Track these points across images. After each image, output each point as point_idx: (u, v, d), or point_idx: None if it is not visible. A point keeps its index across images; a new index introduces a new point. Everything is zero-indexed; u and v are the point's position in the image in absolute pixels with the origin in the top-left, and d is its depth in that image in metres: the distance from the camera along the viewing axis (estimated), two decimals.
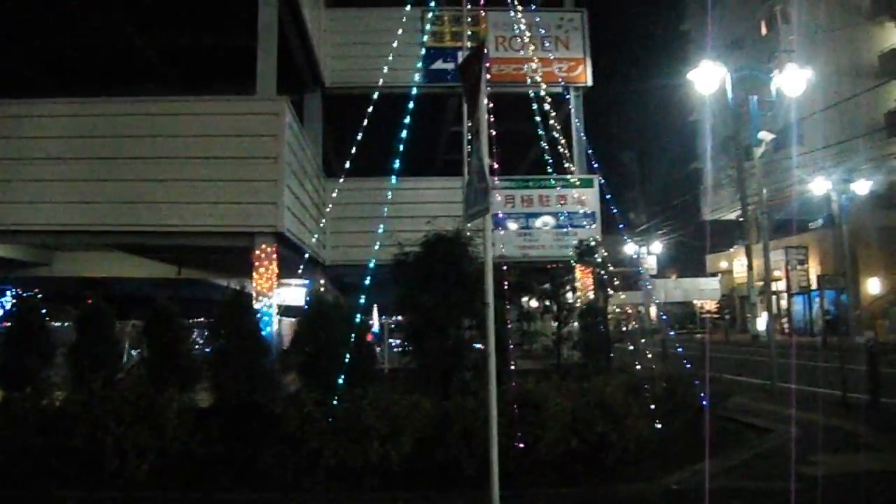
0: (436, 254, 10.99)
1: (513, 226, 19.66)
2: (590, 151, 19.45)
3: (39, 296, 12.95)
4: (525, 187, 19.84)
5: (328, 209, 18.35)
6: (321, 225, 17.74)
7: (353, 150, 20.54)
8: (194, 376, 11.09)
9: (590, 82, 20.65)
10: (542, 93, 18.97)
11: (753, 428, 12.02)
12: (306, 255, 14.39)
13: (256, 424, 9.74)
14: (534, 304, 15.81)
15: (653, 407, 10.44)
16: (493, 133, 20.73)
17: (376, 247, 12.35)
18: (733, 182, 44.05)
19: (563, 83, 20.43)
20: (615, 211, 17.49)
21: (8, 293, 25.89)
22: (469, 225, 11.58)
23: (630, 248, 56.70)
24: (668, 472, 9.15)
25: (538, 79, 19.72)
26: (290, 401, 9.57)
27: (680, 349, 15.77)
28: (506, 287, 12.65)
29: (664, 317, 45.22)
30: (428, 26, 19.97)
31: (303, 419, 9.10)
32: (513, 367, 13.16)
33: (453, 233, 11.20)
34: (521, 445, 8.97)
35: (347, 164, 15.70)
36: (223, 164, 12.54)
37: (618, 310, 66.14)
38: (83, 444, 9.06)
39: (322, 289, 20.08)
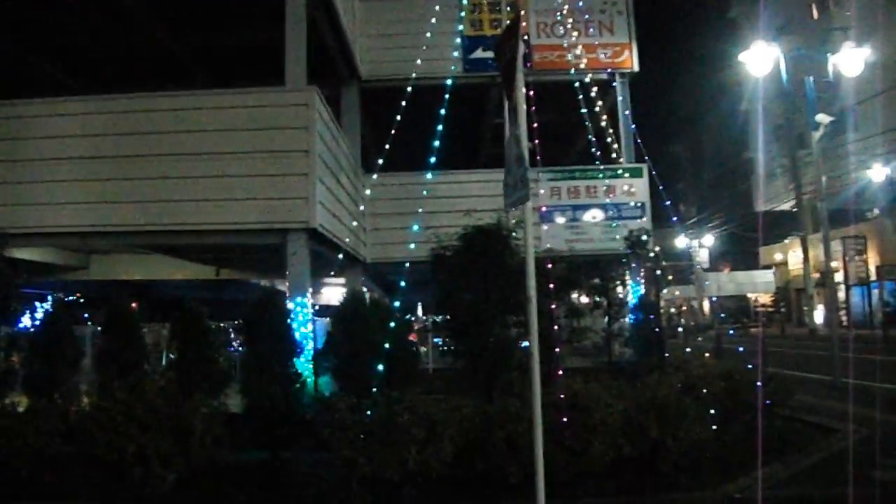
0: (475, 248, 10.39)
1: (559, 219, 18.93)
2: (638, 140, 18.68)
3: (81, 300, 12.51)
4: (571, 178, 19.12)
5: (366, 206, 17.91)
6: (360, 222, 17.23)
7: (392, 145, 20.14)
8: (225, 380, 10.63)
9: (636, 68, 19.84)
10: (587, 80, 18.39)
11: (819, 428, 11.21)
12: (340, 255, 13.83)
13: (288, 431, 9.23)
14: (584, 299, 15.15)
15: (711, 409, 9.70)
16: (536, 124, 20.17)
17: (413, 245, 11.87)
18: (787, 171, 42.82)
19: (608, 70, 19.70)
20: (666, 202, 16.78)
21: (49, 297, 25.89)
22: (511, 217, 11.06)
23: (682, 242, 55.82)
24: (729, 479, 8.44)
25: (582, 65, 19.09)
26: (322, 406, 9.02)
27: (740, 348, 14.98)
28: (550, 283, 12.04)
29: (721, 315, 44.18)
30: (465, 14, 19.36)
31: (335, 426, 8.53)
32: (560, 368, 12.63)
33: (493, 225, 10.57)
34: (570, 451, 8.31)
35: (386, 160, 15.23)
36: (252, 158, 12.05)
37: (671, 308, 65.31)
38: (105, 454, 8.58)
39: (364, 287, 19.64)
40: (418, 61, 18.28)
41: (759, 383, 10.64)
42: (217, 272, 21.21)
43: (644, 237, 13.95)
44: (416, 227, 12.12)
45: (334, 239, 13.50)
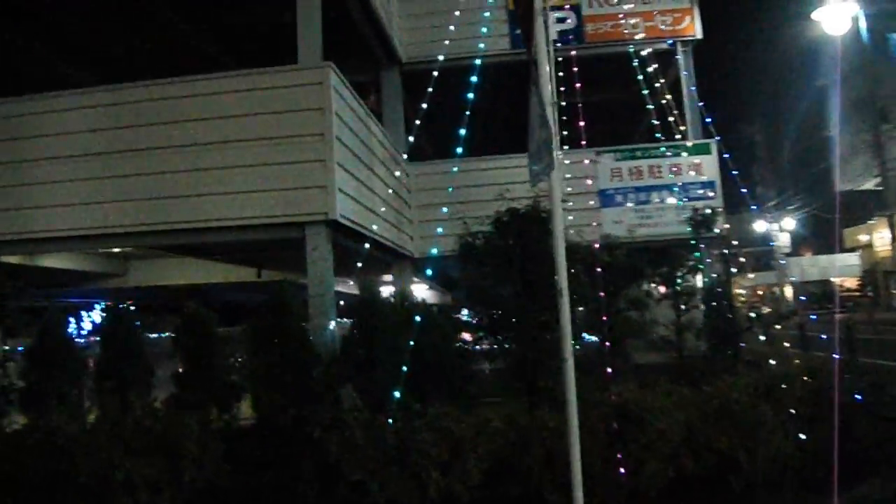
0: (509, 234, 9.09)
1: (622, 201, 17.39)
2: (705, 117, 17.05)
3: (132, 307, 11.59)
4: (633, 158, 17.51)
5: (411, 197, 16.72)
6: (405, 214, 16.03)
7: (439, 131, 18.88)
8: (236, 393, 9.53)
9: (699, 35, 18.06)
10: (647, 51, 16.89)
11: None
12: (378, 250, 12.54)
13: (296, 450, 8.05)
14: (660, 289, 13.78)
15: (793, 411, 8.16)
16: (593, 101, 18.65)
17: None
18: (870, 148, 40.31)
19: (669, 39, 18.08)
20: (738, 182, 15.20)
21: (97, 306, 25.39)
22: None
23: (761, 226, 53.64)
24: (817, 499, 6.92)
25: (640, 35, 17.59)
26: (332, 421, 7.79)
27: (823, 335, 13.32)
28: (604, 272, 10.69)
29: (802, 297, 41.97)
30: None
31: (344, 445, 7.32)
32: (620, 366, 11.25)
33: (529, 206, 9.22)
34: (622, 470, 6.93)
35: (434, 147, 14.04)
36: (264, 146, 10.86)
37: (744, 293, 62.92)
38: (88, 481, 7.51)
39: (415, 285, 18.45)
40: (464, 40, 17.09)
41: (846, 376, 9.07)
42: (258, 273, 20.16)
43: (710, 213, 12.40)
44: (444, 210, 10.80)
45: (367, 232, 12.27)
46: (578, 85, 15.67)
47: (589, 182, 17.06)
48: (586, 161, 17.18)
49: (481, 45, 17.14)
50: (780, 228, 55.19)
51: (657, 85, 16.78)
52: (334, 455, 7.34)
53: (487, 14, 17.54)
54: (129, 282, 22.47)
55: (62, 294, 23.41)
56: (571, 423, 5.85)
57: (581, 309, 11.24)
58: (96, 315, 25.32)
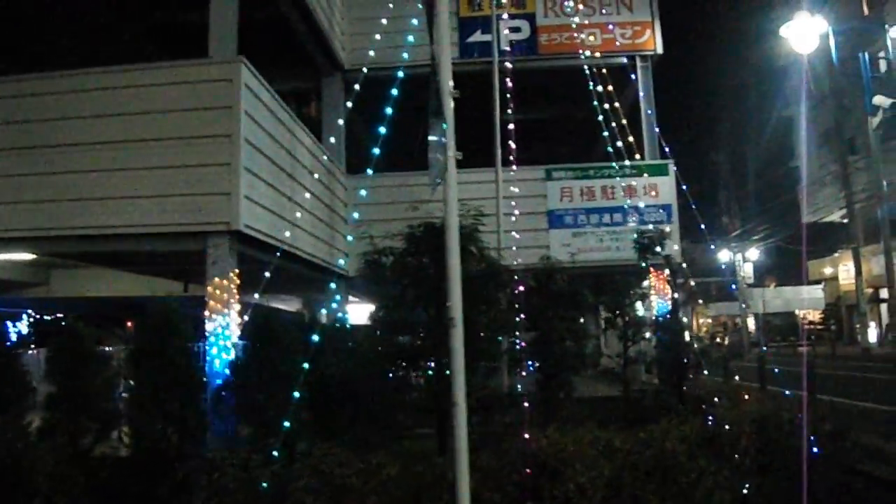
0: (424, 251, 8.01)
1: (571, 223, 16.39)
2: (662, 138, 16.16)
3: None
4: (585, 177, 16.55)
5: (348, 211, 15.63)
6: (338, 229, 14.93)
7: (383, 142, 17.72)
8: (113, 419, 8.36)
9: (659, 50, 17.21)
10: (604, 65, 15.98)
11: (889, 486, 8.52)
12: (273, 261, 11.28)
13: (167, 490, 6.91)
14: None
15: (739, 463, 7.11)
16: (546, 117, 17.63)
17: None
18: (836, 180, 39.76)
19: (627, 53, 17.18)
20: (692, 204, 14.28)
21: (24, 316, 23.99)
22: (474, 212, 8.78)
23: (725, 255, 53.25)
24: None
25: (597, 48, 16.69)
26: (202, 462, 6.67)
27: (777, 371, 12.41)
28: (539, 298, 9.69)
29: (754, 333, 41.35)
30: None
31: (212, 488, 6.20)
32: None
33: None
34: None
35: (376, 159, 13.02)
36: (168, 146, 9.78)
37: (707, 322, 62.32)
38: None
39: (348, 305, 17.36)
40: (411, 47, 16.12)
41: (800, 417, 8.02)
42: (185, 287, 18.90)
43: (656, 237, 11.42)
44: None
45: (285, 247, 11.14)
46: (510, 100, 14.85)
47: (538, 202, 16.15)
48: (535, 179, 16.26)
49: (429, 53, 16.27)
50: (744, 258, 54.78)
51: (615, 102, 15.90)
52: (201, 499, 6.24)
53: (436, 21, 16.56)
54: (51, 292, 21.19)
55: None
56: (461, 480, 4.80)
57: (512, 339, 10.27)
58: (23, 326, 23.83)
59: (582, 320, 12.65)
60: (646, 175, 16.24)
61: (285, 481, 6.18)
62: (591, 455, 6.31)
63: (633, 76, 17.14)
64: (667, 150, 16.26)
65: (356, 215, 13.25)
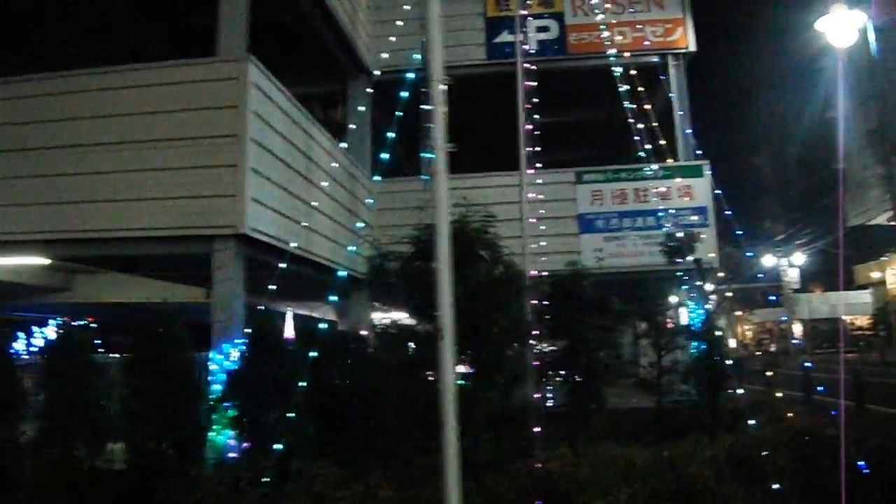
0: (431, 256, 7.52)
1: (603, 227, 15.79)
2: (695, 139, 15.56)
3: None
4: (616, 180, 15.96)
5: (371, 216, 15.21)
6: (358, 234, 14.49)
7: (409, 145, 17.31)
8: (107, 431, 8.00)
9: (692, 47, 16.57)
10: (634, 63, 15.43)
11: None
12: (282, 265, 10.80)
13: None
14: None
15: (774, 486, 6.52)
16: (576, 118, 17.08)
17: None
18: (882, 181, 38.63)
19: (659, 51, 16.59)
20: (724, 207, 13.71)
21: (51, 322, 23.83)
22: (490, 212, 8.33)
23: (769, 260, 52.18)
24: None
25: (628, 47, 16.15)
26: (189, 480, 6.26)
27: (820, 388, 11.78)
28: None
29: (795, 341, 40.26)
30: None
31: None
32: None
33: (456, 222, 7.67)
34: None
35: (401, 162, 12.69)
36: (173, 148, 9.44)
37: (751, 328, 61.13)
38: None
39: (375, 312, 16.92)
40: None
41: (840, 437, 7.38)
42: (207, 294, 18.56)
43: (686, 239, 10.85)
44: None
45: (299, 251, 10.75)
46: (538, 102, 14.34)
47: (568, 205, 15.63)
48: (565, 182, 15.74)
49: (456, 55, 15.95)
50: (790, 263, 53.56)
51: (647, 102, 15.36)
52: None
53: (465, 22, 16.15)
54: (76, 297, 21.04)
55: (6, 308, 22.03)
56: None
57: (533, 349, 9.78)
58: (50, 331, 23.69)
59: (613, 328, 12.13)
60: (680, 177, 15.62)
61: (275, 502, 5.75)
62: (609, 478, 5.78)
63: (665, 75, 16.57)
64: (699, 151, 15.69)
65: (361, 224, 12.79)
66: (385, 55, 16.54)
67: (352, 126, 16.28)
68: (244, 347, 7.84)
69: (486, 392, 7.19)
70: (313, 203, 11.61)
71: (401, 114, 11.06)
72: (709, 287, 11.89)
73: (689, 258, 10.85)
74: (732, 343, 60.24)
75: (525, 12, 16.23)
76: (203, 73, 9.61)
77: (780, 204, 55.47)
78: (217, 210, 9.13)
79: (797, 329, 54.96)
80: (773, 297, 46.05)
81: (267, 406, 7.02)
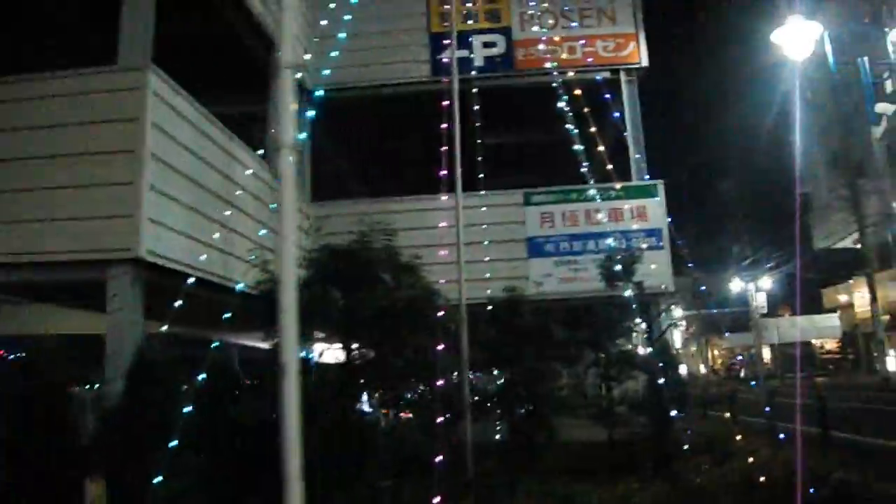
0: (331, 279, 6.73)
1: (553, 251, 15.02)
2: (641, 152, 14.93)
3: None
4: (566, 201, 15.22)
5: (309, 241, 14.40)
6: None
7: (350, 166, 16.55)
8: None
9: (644, 62, 15.94)
10: (584, 81, 14.82)
11: None
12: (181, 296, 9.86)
13: None
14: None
15: None
16: (524, 137, 16.33)
17: None
18: (847, 204, 38.32)
19: (610, 66, 15.96)
20: (671, 232, 13.06)
21: None
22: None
23: (736, 285, 52.03)
24: None
25: (578, 62, 15.56)
26: None
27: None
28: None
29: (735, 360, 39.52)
30: (432, 6, 15.93)
31: None
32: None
33: (356, 244, 6.89)
34: None
35: (342, 184, 11.93)
36: (62, 165, 8.60)
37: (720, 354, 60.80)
38: None
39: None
40: (378, 65, 15.11)
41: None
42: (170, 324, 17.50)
43: (628, 261, 10.14)
44: None
45: (214, 278, 9.91)
46: (483, 120, 13.70)
47: (516, 228, 14.92)
48: (512, 204, 15.05)
49: (398, 72, 15.32)
50: (757, 287, 53.31)
51: (598, 119, 14.73)
52: None
53: (408, 37, 15.47)
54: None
55: None
56: None
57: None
58: None
59: (557, 358, 11.43)
60: (633, 198, 14.96)
61: None
62: None
63: (614, 93, 15.94)
64: (647, 173, 15.08)
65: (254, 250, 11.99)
66: (326, 72, 15.87)
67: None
68: (126, 382, 6.99)
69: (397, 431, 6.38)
70: (232, 225, 10.78)
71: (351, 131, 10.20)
72: (663, 312, 11.22)
73: (632, 281, 10.10)
74: (703, 369, 59.97)
75: (471, 28, 15.67)
76: (100, 84, 8.81)
77: (743, 226, 55.13)
78: (111, 232, 8.29)
79: (766, 353, 54.71)
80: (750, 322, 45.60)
81: (140, 448, 6.16)
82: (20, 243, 8.53)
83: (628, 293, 10.40)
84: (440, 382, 7.55)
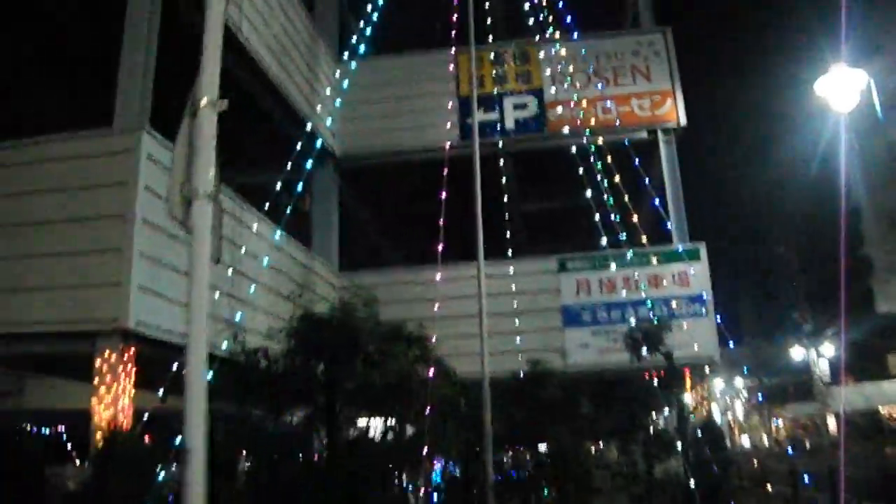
0: (310, 351, 6.11)
1: (589, 320, 14.21)
2: (682, 213, 14.23)
3: None
4: (603, 267, 14.42)
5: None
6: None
7: (379, 233, 16.15)
8: None
9: (682, 121, 15.22)
10: (619, 142, 14.25)
11: None
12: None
13: None
14: None
15: None
16: (557, 201, 15.73)
17: None
18: None
19: (647, 126, 15.29)
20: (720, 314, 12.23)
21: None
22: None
23: (798, 352, 50.51)
24: None
25: (613, 122, 14.98)
26: None
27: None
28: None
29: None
30: (461, 69, 15.47)
31: None
32: None
33: (335, 312, 6.27)
34: None
35: (371, 252, 11.45)
36: (56, 231, 8.24)
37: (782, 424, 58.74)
38: None
39: None
40: (407, 131, 14.73)
41: None
42: (163, 399, 17.02)
43: (654, 330, 9.35)
44: None
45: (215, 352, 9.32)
46: (514, 184, 13.11)
47: (550, 296, 14.22)
48: (546, 272, 14.36)
49: (428, 137, 14.89)
50: (818, 354, 51.65)
51: (635, 181, 14.09)
52: None
53: (436, 101, 15.11)
54: (30, 403, 19.45)
55: None
56: None
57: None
58: None
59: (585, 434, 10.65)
60: (674, 262, 14.15)
61: None
62: None
63: (647, 154, 15.28)
64: (685, 232, 14.33)
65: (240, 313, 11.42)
66: (353, 138, 15.54)
67: (318, 215, 15.11)
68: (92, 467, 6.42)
69: None
70: (242, 296, 10.25)
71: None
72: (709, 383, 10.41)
73: (659, 352, 9.29)
74: (766, 440, 57.81)
75: (503, 90, 15.26)
76: (94, 147, 8.49)
77: (800, 290, 53.48)
78: (99, 301, 7.79)
79: (831, 423, 52.67)
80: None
81: None
82: (2, 314, 8.08)
83: (669, 362, 9.62)
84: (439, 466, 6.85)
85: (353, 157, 15.55)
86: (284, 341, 6.62)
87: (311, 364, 6.24)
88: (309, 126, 13.79)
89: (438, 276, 13.87)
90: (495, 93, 15.43)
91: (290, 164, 13.46)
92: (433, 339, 8.20)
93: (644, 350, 9.52)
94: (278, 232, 11.98)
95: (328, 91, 15.05)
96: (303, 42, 14.15)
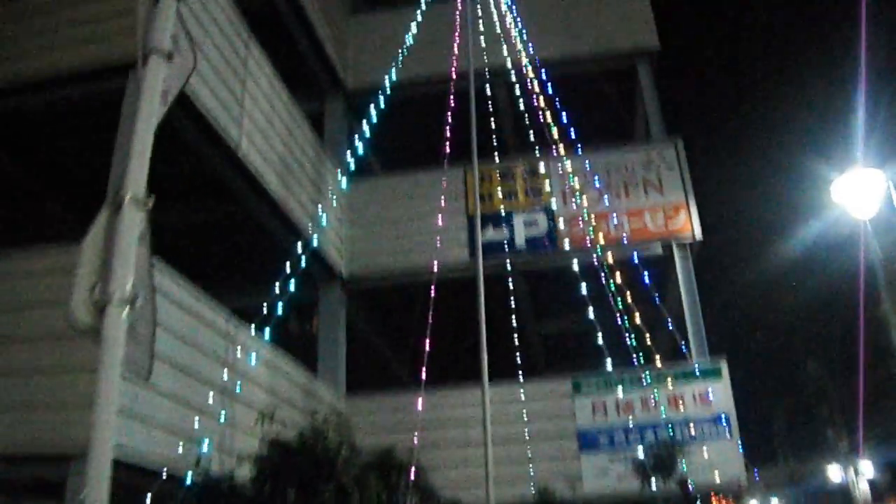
0: (278, 481, 5.58)
1: (607, 444, 13.49)
2: (701, 330, 13.70)
3: None
4: (621, 387, 13.76)
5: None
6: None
7: (385, 356, 15.86)
8: None
9: (698, 235, 14.68)
10: (633, 258, 13.87)
11: None
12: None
13: None
14: None
15: None
16: (569, 323, 15.36)
17: None
18: None
19: (662, 240, 14.85)
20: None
21: None
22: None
23: (835, 473, 48.66)
24: None
25: (627, 237, 14.62)
26: None
27: None
28: None
29: None
30: (468, 187, 15.21)
31: None
32: None
33: (306, 435, 5.78)
34: None
35: (377, 375, 11.05)
36: (26, 347, 7.84)
37: None
38: None
39: None
40: (411, 253, 14.50)
41: None
42: None
43: (666, 454, 8.71)
44: None
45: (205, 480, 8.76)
46: (535, 302, 12.70)
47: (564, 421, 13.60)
48: (560, 394, 13.78)
49: (433, 256, 14.52)
50: (856, 472, 49.66)
51: (650, 298, 13.61)
52: None
53: (442, 221, 14.82)
54: None
55: None
56: None
57: None
58: None
59: None
60: (695, 381, 13.50)
61: None
62: None
63: (668, 267, 14.84)
64: (705, 350, 13.76)
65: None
66: (361, 261, 15.32)
67: (324, 340, 14.70)
68: None
69: None
70: (236, 421, 9.74)
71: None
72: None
73: (673, 476, 8.62)
74: None
75: (511, 207, 15.04)
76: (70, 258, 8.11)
77: (839, 410, 52.00)
78: (72, 423, 7.27)
79: None
80: None
81: None
82: None
83: (684, 491, 8.93)
84: None
85: (360, 279, 15.23)
86: (251, 468, 6.14)
87: (281, 491, 5.72)
88: (313, 245, 13.55)
89: (444, 400, 13.43)
90: (503, 211, 15.11)
91: (293, 283, 13.24)
92: (418, 467, 7.67)
93: (656, 477, 8.84)
94: (278, 353, 11.61)
95: (334, 210, 14.83)
96: (308, 160, 14.03)
